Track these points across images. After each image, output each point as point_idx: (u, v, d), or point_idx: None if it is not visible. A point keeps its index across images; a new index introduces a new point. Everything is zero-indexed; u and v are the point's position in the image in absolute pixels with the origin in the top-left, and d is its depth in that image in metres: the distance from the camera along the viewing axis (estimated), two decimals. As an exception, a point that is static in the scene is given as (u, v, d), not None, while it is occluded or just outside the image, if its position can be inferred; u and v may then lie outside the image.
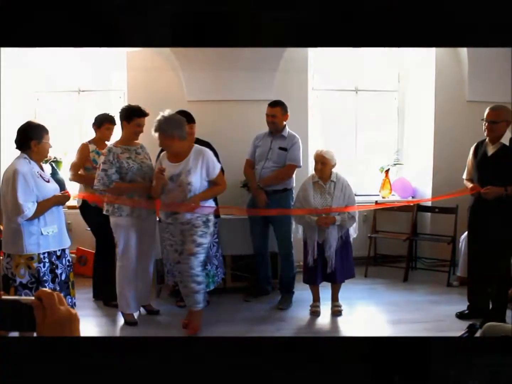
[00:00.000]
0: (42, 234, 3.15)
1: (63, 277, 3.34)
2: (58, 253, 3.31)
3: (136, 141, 3.91)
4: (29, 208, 3.04)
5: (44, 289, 0.95)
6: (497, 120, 3.72)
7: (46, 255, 3.18)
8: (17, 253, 3.10)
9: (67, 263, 3.38)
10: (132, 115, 3.81)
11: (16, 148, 3.19)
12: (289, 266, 4.47)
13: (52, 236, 3.21)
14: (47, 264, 3.19)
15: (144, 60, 5.22)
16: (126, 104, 5.31)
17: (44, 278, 3.16)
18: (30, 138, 3.14)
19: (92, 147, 4.25)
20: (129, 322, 3.91)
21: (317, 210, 4.00)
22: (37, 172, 3.16)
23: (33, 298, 0.94)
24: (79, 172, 4.23)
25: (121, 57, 5.32)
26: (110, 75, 5.53)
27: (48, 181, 3.24)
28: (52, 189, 3.25)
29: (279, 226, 4.30)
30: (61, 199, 3.30)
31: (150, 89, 5.26)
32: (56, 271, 3.29)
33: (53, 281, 3.24)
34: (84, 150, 4.24)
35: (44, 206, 3.14)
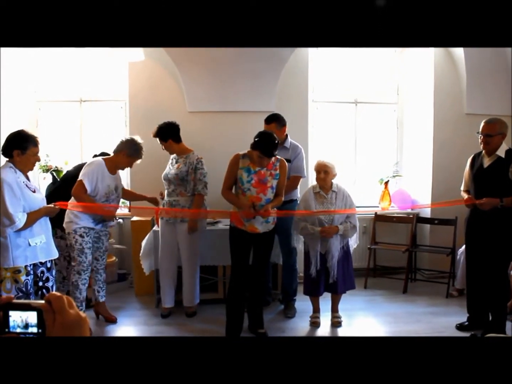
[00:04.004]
0: (29, 245, 3.06)
1: (54, 290, 3.30)
2: (48, 265, 3.25)
3: (187, 150, 4.30)
4: (20, 218, 2.97)
5: (54, 292, 0.96)
6: (492, 134, 3.76)
7: (32, 267, 3.11)
8: (3, 266, 2.98)
9: (55, 276, 3.36)
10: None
11: (3, 155, 3.14)
12: (293, 276, 4.52)
13: (40, 247, 3.13)
14: (32, 277, 3.12)
15: (146, 71, 5.27)
16: (128, 114, 5.38)
17: (31, 291, 3.09)
18: (14, 147, 3.07)
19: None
20: (165, 314, 4.39)
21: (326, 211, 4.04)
22: (23, 182, 3.08)
23: (43, 301, 0.95)
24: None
25: (123, 68, 5.37)
26: (112, 85, 5.57)
27: (34, 191, 3.16)
28: (39, 199, 3.18)
29: (285, 236, 4.31)
30: (51, 210, 3.23)
31: (151, 99, 5.30)
32: (46, 284, 3.23)
33: (36, 294, 3.15)
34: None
35: (33, 218, 3.07)
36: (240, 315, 3.91)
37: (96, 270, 4.13)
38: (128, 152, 3.96)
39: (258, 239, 3.79)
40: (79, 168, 4.53)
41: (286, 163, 3.85)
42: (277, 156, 3.79)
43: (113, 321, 4.19)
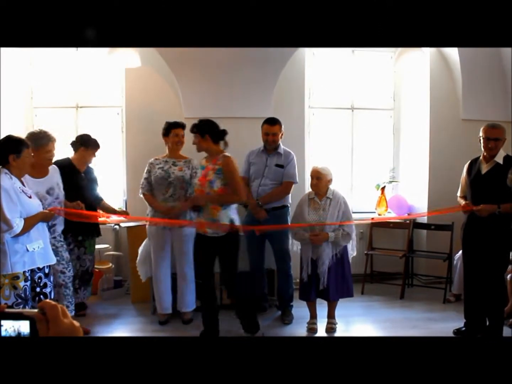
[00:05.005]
0: (27, 250, 3.05)
1: (52, 296, 3.28)
2: (46, 270, 3.24)
3: (183, 156, 4.36)
4: (17, 224, 2.97)
5: (48, 300, 0.94)
6: (501, 137, 3.76)
7: (29, 273, 3.10)
8: (2, 273, 2.96)
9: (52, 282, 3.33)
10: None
11: None
12: (288, 282, 4.49)
13: (38, 252, 3.13)
14: (30, 282, 3.11)
15: (142, 77, 5.27)
16: (124, 120, 5.38)
17: (29, 297, 3.08)
18: (8, 152, 3.06)
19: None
20: (163, 321, 4.38)
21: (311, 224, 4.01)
22: (19, 187, 3.08)
23: (35, 310, 0.93)
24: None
25: (119, 74, 5.37)
26: (108, 91, 5.56)
27: (30, 197, 3.16)
28: (36, 205, 3.18)
29: (277, 242, 4.30)
30: (47, 215, 3.24)
31: (148, 105, 5.30)
32: (44, 290, 3.21)
33: (33, 300, 3.13)
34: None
35: (30, 223, 3.07)
36: (213, 321, 3.90)
37: (64, 284, 3.82)
38: (33, 146, 3.42)
39: (219, 244, 3.73)
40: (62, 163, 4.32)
41: (233, 160, 3.70)
42: (225, 153, 3.75)
43: (86, 333, 3.95)
